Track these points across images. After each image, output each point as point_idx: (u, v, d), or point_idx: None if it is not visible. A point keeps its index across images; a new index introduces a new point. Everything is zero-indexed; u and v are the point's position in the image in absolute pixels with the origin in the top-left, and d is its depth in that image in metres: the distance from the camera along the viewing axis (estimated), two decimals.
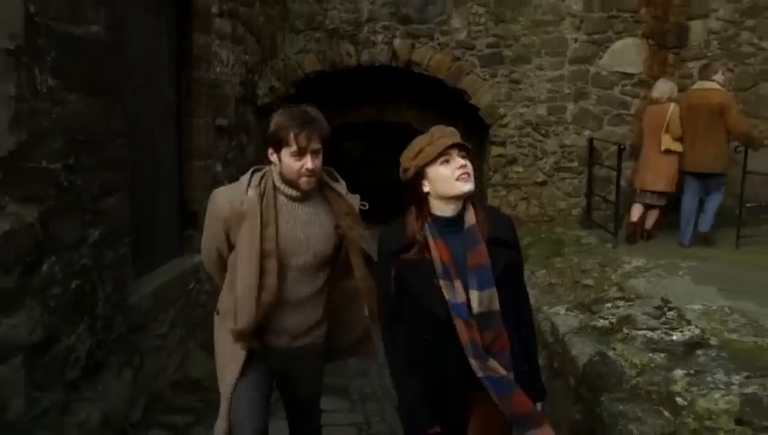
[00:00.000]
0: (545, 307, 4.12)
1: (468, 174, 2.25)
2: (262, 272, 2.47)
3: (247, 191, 2.50)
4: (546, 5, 7.36)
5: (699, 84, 6.24)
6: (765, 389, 2.54)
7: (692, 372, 2.78)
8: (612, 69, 7.47)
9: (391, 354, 2.36)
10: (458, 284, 2.21)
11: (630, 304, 3.66)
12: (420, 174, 2.29)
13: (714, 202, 6.28)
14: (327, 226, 2.58)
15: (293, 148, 2.42)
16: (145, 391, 3.98)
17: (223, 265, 2.68)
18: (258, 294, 2.48)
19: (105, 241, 3.47)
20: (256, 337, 2.56)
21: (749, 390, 2.55)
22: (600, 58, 7.46)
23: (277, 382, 2.79)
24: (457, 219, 2.29)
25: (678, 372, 2.79)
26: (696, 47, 7.41)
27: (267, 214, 2.49)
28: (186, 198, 4.86)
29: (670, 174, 6.25)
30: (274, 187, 2.53)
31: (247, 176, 2.58)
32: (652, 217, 6.49)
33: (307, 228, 2.55)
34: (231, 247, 2.59)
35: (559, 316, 3.73)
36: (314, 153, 2.45)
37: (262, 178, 2.55)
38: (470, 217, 2.28)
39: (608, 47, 7.44)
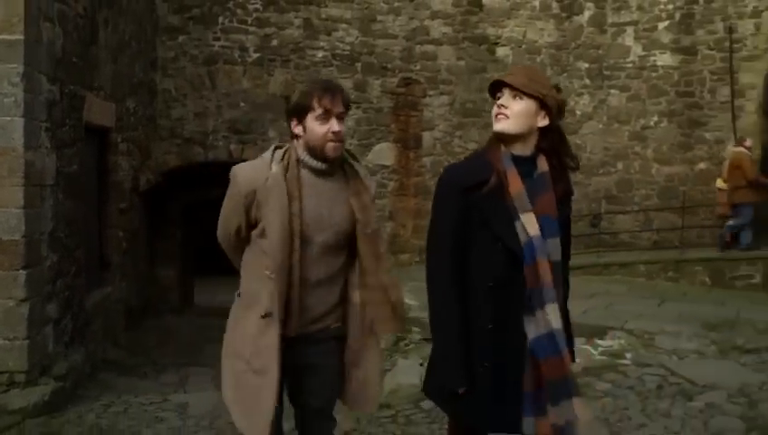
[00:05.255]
0: None
1: (505, 115, 2.20)
2: (291, 250, 2.40)
3: (271, 167, 2.44)
4: None
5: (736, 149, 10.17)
6: None
7: None
8: (375, 162, 11.49)
9: (438, 304, 2.28)
10: (533, 217, 2.16)
11: None
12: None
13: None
14: (348, 204, 2.52)
15: (319, 111, 2.40)
16: (89, 361, 7.13)
17: (239, 244, 2.62)
18: (289, 273, 2.41)
19: (77, 273, 6.72)
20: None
21: None
22: (367, 155, 11.49)
23: (288, 384, 2.61)
24: (530, 161, 2.24)
25: None
26: (427, 148, 11.69)
27: (292, 188, 2.42)
28: (103, 253, 8.10)
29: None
30: (298, 160, 2.48)
31: (269, 152, 2.54)
32: None
33: (331, 204, 2.50)
34: (250, 226, 2.54)
35: None
36: (339, 117, 2.44)
37: (285, 154, 2.50)
38: (543, 164, 2.24)
39: (371, 148, 11.52)
